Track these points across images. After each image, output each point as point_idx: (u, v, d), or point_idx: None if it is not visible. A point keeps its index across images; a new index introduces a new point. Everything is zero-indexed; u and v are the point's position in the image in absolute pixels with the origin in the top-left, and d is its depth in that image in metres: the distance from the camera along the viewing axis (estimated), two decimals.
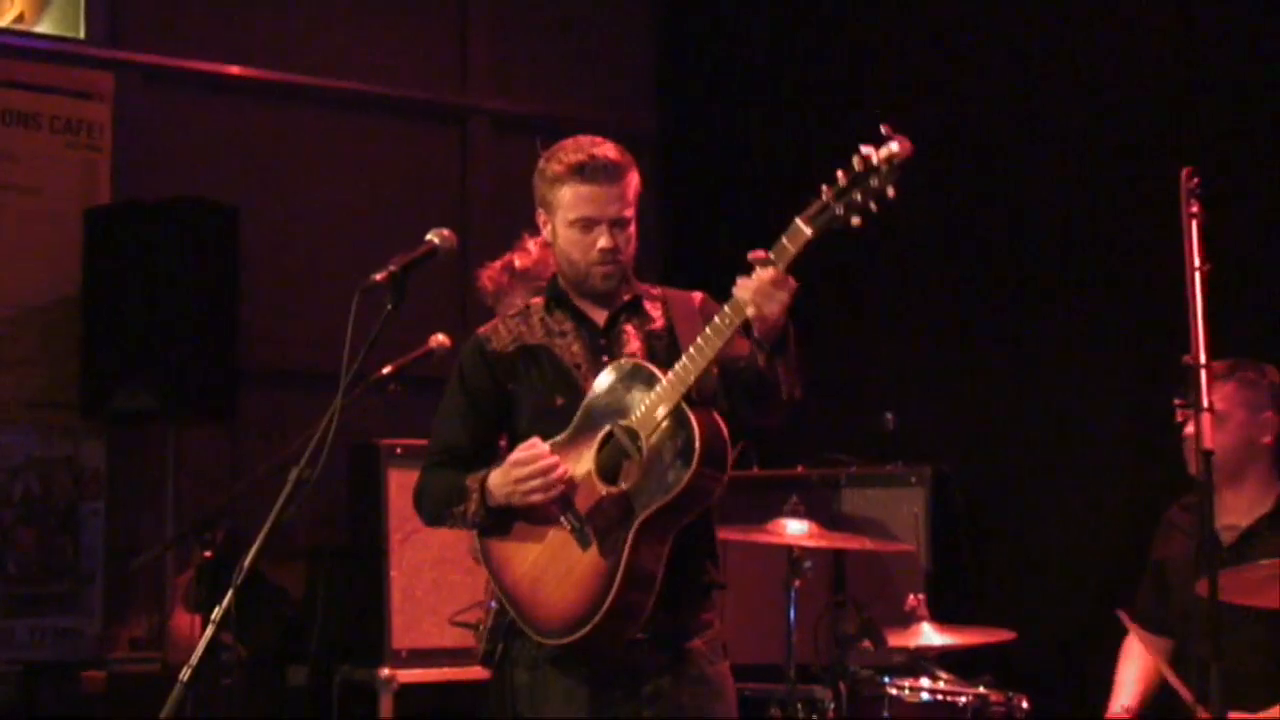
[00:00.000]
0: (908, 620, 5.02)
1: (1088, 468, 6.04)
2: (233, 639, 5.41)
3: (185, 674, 3.30)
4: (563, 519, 3.87)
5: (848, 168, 3.72)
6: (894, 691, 4.74)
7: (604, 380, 3.91)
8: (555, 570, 3.86)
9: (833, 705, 4.85)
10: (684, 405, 3.78)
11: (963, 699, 4.69)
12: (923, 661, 4.89)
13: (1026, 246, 6.39)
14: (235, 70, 7.35)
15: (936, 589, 5.74)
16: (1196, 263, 3.85)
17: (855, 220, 3.72)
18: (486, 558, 3.97)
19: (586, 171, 3.97)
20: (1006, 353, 6.33)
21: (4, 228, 6.80)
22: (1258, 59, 5.74)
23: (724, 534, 5.32)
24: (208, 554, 5.65)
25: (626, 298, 4.08)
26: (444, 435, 4.06)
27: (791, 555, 4.84)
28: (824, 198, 3.75)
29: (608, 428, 3.86)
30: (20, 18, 7.02)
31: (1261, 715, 4.59)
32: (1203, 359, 3.80)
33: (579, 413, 3.91)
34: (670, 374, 3.79)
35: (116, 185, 6.97)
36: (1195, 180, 3.92)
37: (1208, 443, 3.79)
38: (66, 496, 6.87)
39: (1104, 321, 6.08)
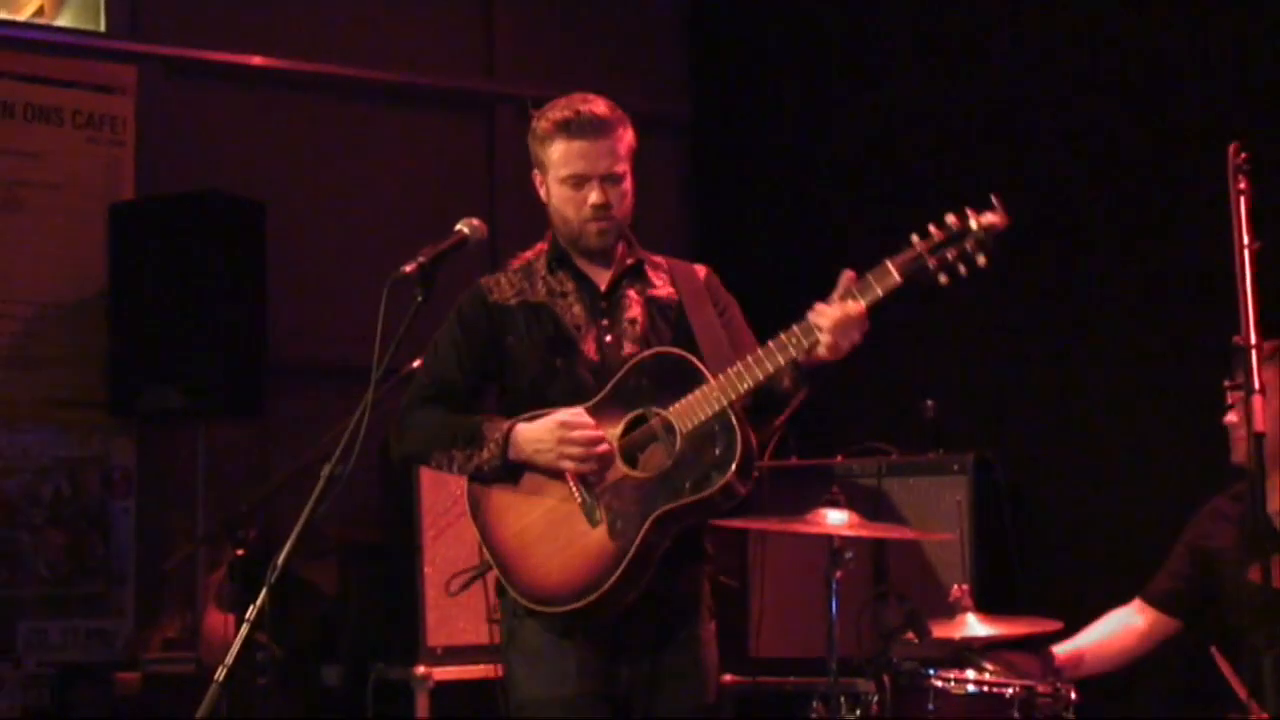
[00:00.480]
0: (952, 611, 4.94)
1: (1134, 452, 5.96)
2: (267, 638, 5.38)
3: (220, 674, 3.28)
4: (574, 490, 3.85)
5: (942, 224, 3.67)
6: (939, 684, 4.64)
7: (643, 363, 3.88)
8: (553, 538, 3.85)
9: (876, 699, 4.77)
10: (730, 412, 3.75)
11: (1009, 690, 4.60)
12: (968, 653, 4.80)
13: (1069, 227, 6.30)
14: (258, 61, 7.29)
15: (981, 578, 5.66)
16: (1245, 240, 3.78)
17: (943, 279, 3.66)
18: (477, 509, 3.95)
19: (573, 127, 3.96)
20: (1048, 336, 6.25)
21: (27, 225, 6.76)
22: None
23: (763, 525, 5.30)
24: (240, 552, 5.62)
25: (630, 262, 4.06)
26: (439, 371, 4.02)
27: (832, 546, 4.75)
28: (917, 248, 3.68)
29: (639, 411, 3.84)
30: (40, 11, 6.98)
31: None
32: (1253, 339, 3.73)
33: (608, 388, 3.89)
34: (721, 377, 3.76)
35: (140, 180, 6.94)
36: (1243, 156, 3.84)
37: (1259, 425, 3.71)
38: (96, 496, 6.83)
39: (1149, 302, 5.99)
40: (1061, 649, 4.90)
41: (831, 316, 3.69)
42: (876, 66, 7.15)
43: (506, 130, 7.69)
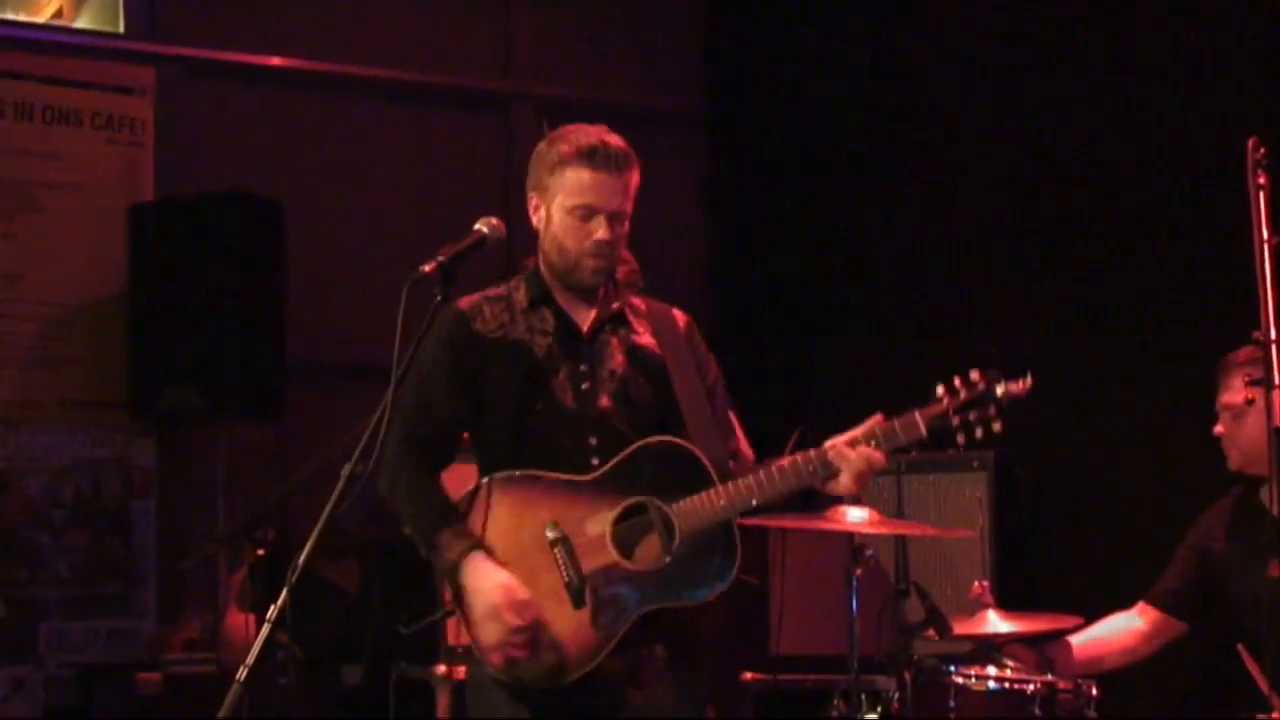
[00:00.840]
0: (973, 607, 4.94)
1: (1153, 449, 5.95)
2: (288, 638, 5.38)
3: (242, 674, 3.26)
4: (560, 567, 3.76)
5: (968, 380, 3.74)
6: (960, 680, 4.64)
7: (652, 449, 3.81)
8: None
9: (897, 696, 4.75)
10: (734, 527, 3.74)
11: (1031, 687, 4.59)
12: (990, 649, 4.79)
13: (1087, 222, 6.30)
14: (276, 61, 7.31)
15: (1001, 575, 5.66)
16: (1264, 235, 3.78)
17: (961, 439, 3.72)
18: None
19: (597, 157, 3.85)
20: (1068, 332, 6.24)
21: (48, 226, 6.78)
22: None
23: (783, 523, 5.30)
24: (260, 552, 5.63)
25: (615, 307, 3.96)
26: (432, 405, 3.85)
27: (853, 543, 4.76)
28: (944, 404, 3.73)
29: (640, 500, 3.77)
30: (59, 13, 7.00)
31: None
32: (1273, 334, 3.73)
33: (610, 466, 3.81)
34: (731, 487, 3.73)
35: (160, 181, 6.96)
36: (1262, 151, 3.84)
37: (1279, 420, 3.72)
38: (117, 497, 6.85)
39: (1169, 298, 5.98)
40: (1078, 640, 4.91)
41: (856, 466, 3.71)
42: (895, 61, 7.13)
43: (524, 129, 7.69)
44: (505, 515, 3.82)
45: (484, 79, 7.80)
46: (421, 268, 3.64)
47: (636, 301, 4.05)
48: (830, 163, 7.38)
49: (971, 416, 3.71)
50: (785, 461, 3.76)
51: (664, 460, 3.79)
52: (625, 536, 3.77)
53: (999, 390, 3.71)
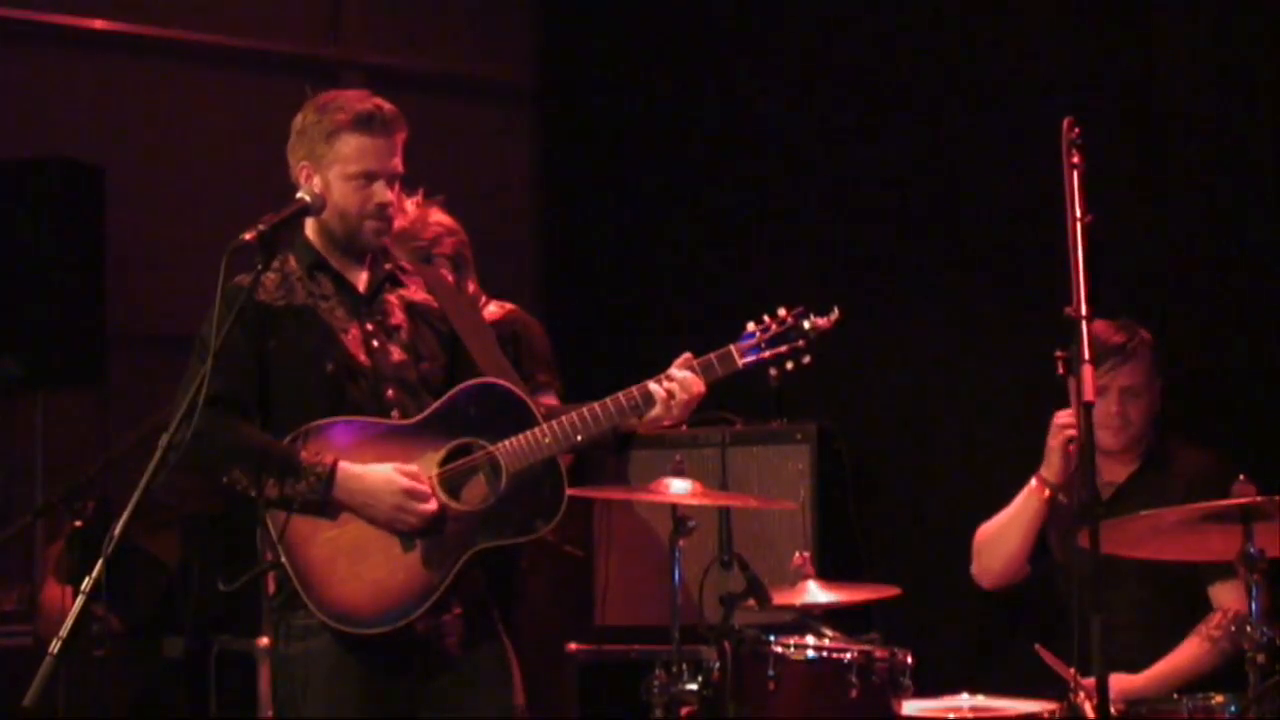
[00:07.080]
0: (793, 578, 5.01)
1: (971, 420, 6.07)
2: (104, 610, 5.31)
3: (55, 646, 3.23)
4: None
5: (778, 317, 3.96)
6: (779, 650, 4.71)
7: (473, 392, 3.87)
8: (364, 555, 3.81)
9: (718, 665, 4.80)
10: (559, 462, 3.84)
11: (848, 655, 4.67)
12: (809, 619, 4.87)
13: (907, 199, 6.39)
14: (99, 24, 7.16)
15: (822, 546, 5.74)
16: (1078, 214, 3.87)
17: (773, 372, 3.94)
18: (283, 529, 3.85)
19: (374, 123, 3.90)
20: (890, 307, 6.33)
21: None
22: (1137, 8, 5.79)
23: (607, 494, 5.34)
24: (78, 523, 5.55)
25: (387, 267, 4.03)
26: (233, 380, 3.80)
27: (675, 514, 4.79)
28: (757, 338, 3.94)
29: (465, 441, 3.84)
30: None
31: (1141, 676, 4.65)
32: (1084, 311, 3.82)
33: (433, 409, 3.87)
34: (556, 426, 3.82)
35: None
36: (1076, 131, 3.93)
37: (1089, 395, 3.81)
38: None
39: (987, 273, 6.09)
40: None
41: (680, 399, 3.88)
42: (734, 33, 7.13)
43: None
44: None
45: (311, 45, 7.70)
46: (242, 236, 3.63)
47: (404, 263, 4.12)
48: (666, 135, 7.37)
49: (783, 349, 3.92)
50: (608, 399, 3.87)
51: (486, 401, 3.86)
52: (451, 478, 3.84)
53: (807, 324, 3.93)
